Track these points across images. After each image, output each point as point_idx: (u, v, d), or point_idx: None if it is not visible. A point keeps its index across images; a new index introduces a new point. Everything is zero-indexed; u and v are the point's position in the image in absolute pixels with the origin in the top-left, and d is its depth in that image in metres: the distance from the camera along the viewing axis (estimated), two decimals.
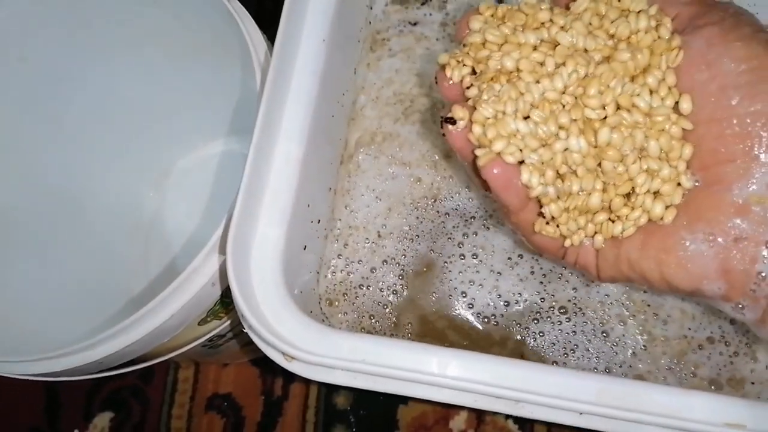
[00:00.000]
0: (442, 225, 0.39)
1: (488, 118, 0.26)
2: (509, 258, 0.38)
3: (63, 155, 0.47)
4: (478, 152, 0.27)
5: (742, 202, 0.25)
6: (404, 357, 0.28)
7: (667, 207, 0.26)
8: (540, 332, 0.37)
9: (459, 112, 0.27)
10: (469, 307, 0.37)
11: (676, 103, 0.26)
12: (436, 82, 0.29)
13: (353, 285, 0.38)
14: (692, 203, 0.26)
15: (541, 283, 0.37)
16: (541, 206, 0.27)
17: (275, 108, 0.31)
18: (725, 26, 0.25)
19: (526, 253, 0.38)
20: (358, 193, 0.40)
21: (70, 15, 0.41)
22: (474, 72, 0.28)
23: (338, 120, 0.39)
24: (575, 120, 0.26)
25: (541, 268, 0.38)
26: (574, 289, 0.37)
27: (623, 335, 0.36)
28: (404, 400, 0.56)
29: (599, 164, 0.26)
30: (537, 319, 0.37)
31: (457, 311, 0.37)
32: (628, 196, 0.27)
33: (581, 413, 0.27)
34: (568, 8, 0.28)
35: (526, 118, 0.26)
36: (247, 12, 0.36)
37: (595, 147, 0.26)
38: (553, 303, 0.37)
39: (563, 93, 0.26)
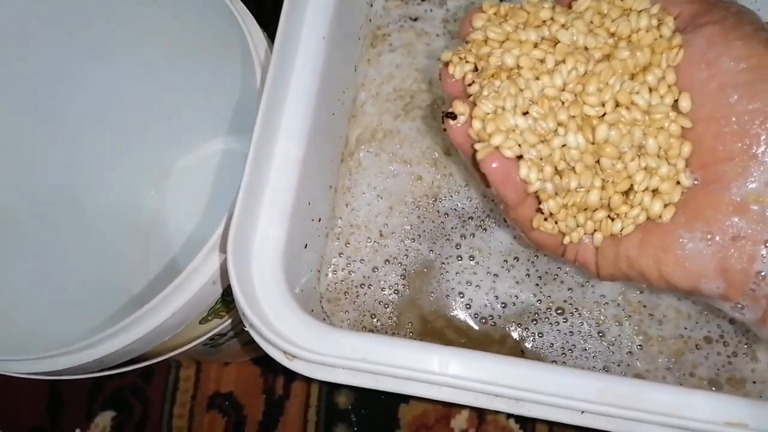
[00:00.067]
0: (441, 225, 0.39)
1: (488, 114, 0.27)
2: (505, 260, 0.38)
3: (63, 155, 0.47)
4: (477, 146, 0.27)
5: (741, 200, 0.25)
6: (405, 355, 0.28)
7: (665, 205, 0.26)
8: (539, 333, 0.37)
9: (459, 107, 0.27)
10: (467, 308, 0.37)
11: (676, 101, 0.26)
12: (440, 79, 0.29)
13: (354, 284, 0.38)
14: (691, 201, 0.26)
15: (537, 284, 0.37)
16: (539, 202, 0.27)
17: (275, 106, 0.31)
18: (726, 25, 0.25)
19: (522, 256, 0.38)
20: (359, 191, 0.40)
21: (70, 15, 0.41)
22: (476, 69, 0.28)
23: (338, 117, 0.38)
24: (574, 117, 0.26)
25: (537, 271, 0.38)
26: (569, 289, 0.37)
27: (619, 335, 0.36)
28: (405, 399, 0.56)
29: (598, 162, 0.26)
30: (536, 320, 0.37)
31: (455, 312, 0.37)
32: (626, 193, 0.27)
33: (583, 412, 0.27)
34: (570, 7, 0.28)
35: (525, 114, 0.26)
36: (248, 10, 0.36)
37: (593, 144, 0.26)
38: (550, 304, 0.37)
39: (563, 90, 0.26)
